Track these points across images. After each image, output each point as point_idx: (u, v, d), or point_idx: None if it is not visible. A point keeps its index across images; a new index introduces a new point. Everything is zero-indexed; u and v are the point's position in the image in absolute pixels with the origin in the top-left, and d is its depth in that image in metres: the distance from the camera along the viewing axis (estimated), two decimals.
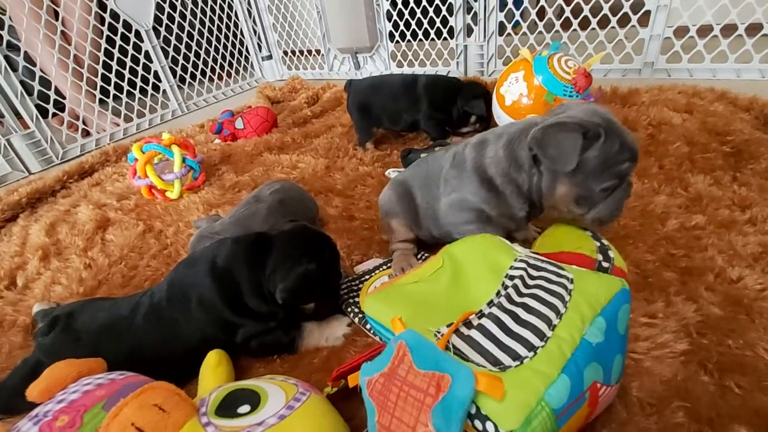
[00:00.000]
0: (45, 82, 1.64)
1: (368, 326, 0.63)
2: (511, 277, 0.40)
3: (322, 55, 2.36)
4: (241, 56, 2.49)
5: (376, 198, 1.01)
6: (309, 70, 2.48)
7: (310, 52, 2.43)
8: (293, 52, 2.51)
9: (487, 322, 0.36)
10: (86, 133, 1.83)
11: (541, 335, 0.34)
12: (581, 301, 0.35)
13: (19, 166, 1.61)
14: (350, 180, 1.11)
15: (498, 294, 0.39)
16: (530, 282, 0.39)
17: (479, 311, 0.38)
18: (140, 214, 1.11)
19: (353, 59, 2.27)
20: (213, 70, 2.32)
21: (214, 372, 0.56)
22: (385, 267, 0.76)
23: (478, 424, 0.31)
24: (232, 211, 0.84)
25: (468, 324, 0.37)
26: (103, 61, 1.81)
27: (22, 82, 1.56)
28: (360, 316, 0.65)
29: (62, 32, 1.67)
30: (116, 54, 1.83)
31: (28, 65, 1.59)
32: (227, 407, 0.40)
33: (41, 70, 1.64)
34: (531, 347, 0.33)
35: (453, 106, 1.27)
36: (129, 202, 1.19)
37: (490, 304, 0.38)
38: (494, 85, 1.19)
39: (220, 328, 0.60)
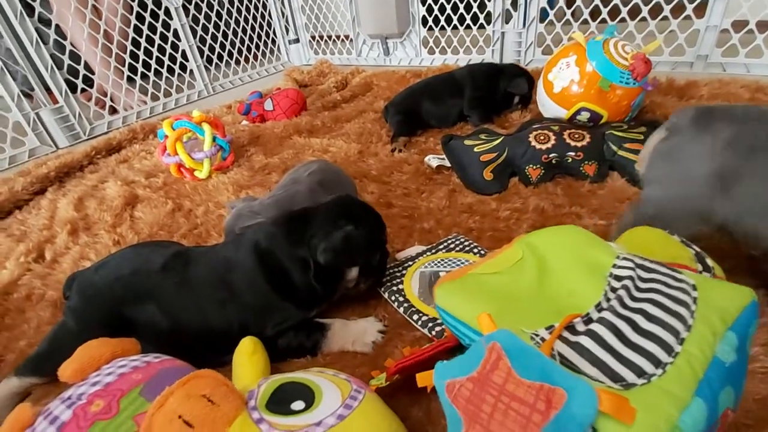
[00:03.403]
0: (74, 57, 1.63)
1: (415, 317, 0.58)
2: (618, 278, 0.34)
3: (351, 40, 2.30)
4: (268, 38, 2.45)
5: (414, 185, 0.96)
6: (336, 55, 2.42)
7: (338, 37, 2.37)
8: (321, 37, 2.45)
9: (599, 329, 0.30)
10: (113, 110, 1.82)
11: (668, 349, 0.28)
12: (710, 312, 0.30)
13: (48, 140, 1.60)
14: (385, 166, 1.06)
15: (606, 296, 0.33)
16: (642, 285, 0.33)
17: (585, 315, 0.32)
18: (169, 193, 1.08)
19: (383, 45, 2.20)
20: (240, 51, 2.29)
21: (250, 359, 0.52)
22: (429, 253, 0.71)
23: None
24: (270, 192, 0.80)
25: (571, 329, 0.32)
26: (132, 38, 1.79)
27: (52, 56, 1.55)
28: (406, 305, 0.61)
29: (93, 6, 1.64)
30: (145, 31, 1.81)
31: (59, 39, 1.58)
32: (279, 402, 0.36)
33: (72, 44, 1.62)
34: (658, 363, 0.28)
35: (496, 89, 1.23)
36: (157, 180, 1.16)
37: (599, 307, 0.33)
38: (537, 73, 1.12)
39: (259, 315, 0.56)
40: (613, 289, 0.34)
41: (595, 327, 0.31)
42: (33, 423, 0.39)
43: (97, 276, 0.60)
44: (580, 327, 0.32)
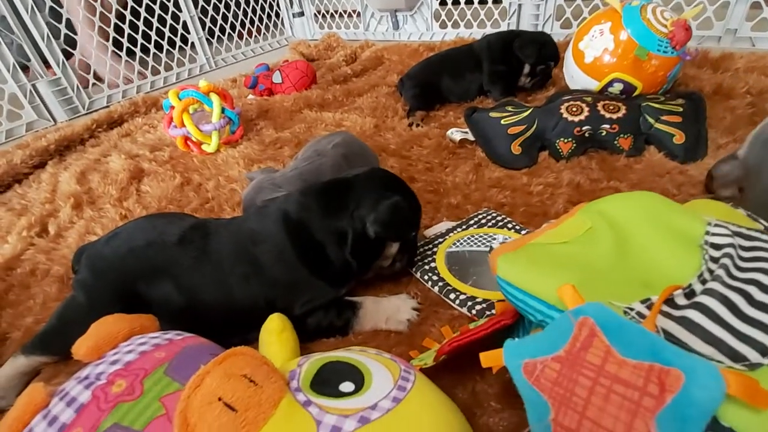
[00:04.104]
0: (71, 26, 1.55)
1: (452, 296, 0.55)
2: (716, 246, 0.30)
3: (358, 14, 2.21)
4: (272, 11, 2.35)
5: (436, 159, 0.91)
6: (343, 29, 2.33)
7: (345, 11, 2.28)
8: (327, 11, 2.35)
9: (709, 301, 0.26)
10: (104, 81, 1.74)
11: None
12: None
13: (45, 114, 1.53)
14: (404, 140, 1.01)
15: (707, 267, 0.29)
16: (746, 254, 0.29)
17: (687, 286, 0.28)
18: (176, 167, 1.03)
19: (392, 18, 2.11)
20: (243, 24, 2.20)
21: (279, 338, 0.48)
22: (459, 229, 0.67)
23: None
24: (292, 163, 0.75)
25: (671, 303, 0.28)
26: (131, 7, 1.70)
27: (48, 24, 1.47)
28: (441, 284, 0.57)
29: None
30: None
31: (54, 6, 1.50)
32: (325, 383, 0.32)
33: (68, 12, 1.54)
34: None
35: (512, 55, 1.16)
36: (163, 153, 1.11)
37: (701, 278, 0.29)
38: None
39: (286, 292, 0.52)
40: (714, 259, 0.29)
41: (704, 299, 0.27)
42: (47, 404, 0.35)
43: (108, 248, 0.56)
44: (681, 300, 0.28)
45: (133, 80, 1.76)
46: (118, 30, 1.68)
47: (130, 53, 1.74)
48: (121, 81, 1.71)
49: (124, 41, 1.71)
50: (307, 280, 0.52)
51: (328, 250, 0.52)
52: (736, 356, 0.24)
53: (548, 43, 1.17)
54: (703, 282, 0.28)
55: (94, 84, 1.63)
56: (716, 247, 0.30)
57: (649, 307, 0.27)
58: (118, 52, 1.69)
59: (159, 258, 0.54)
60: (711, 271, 0.29)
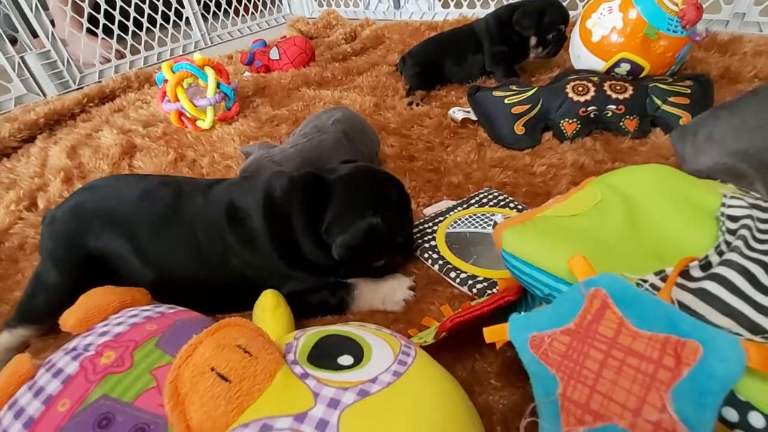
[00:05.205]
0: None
1: (452, 275, 0.53)
2: (733, 218, 0.29)
3: None
4: None
5: (437, 139, 0.89)
6: (342, 7, 2.26)
7: None
8: None
9: (727, 272, 0.25)
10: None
11: None
12: None
13: (35, 88, 1.49)
14: (404, 119, 0.98)
15: (724, 239, 0.28)
16: (764, 226, 0.28)
17: (704, 258, 0.27)
18: (169, 143, 1.01)
19: None
20: (239, 0, 2.13)
21: (273, 314, 0.47)
22: (460, 208, 0.66)
23: (729, 413, 0.21)
24: (290, 139, 0.73)
25: (686, 275, 0.26)
26: None
27: None
28: (441, 263, 0.55)
29: None
30: None
31: None
32: (323, 356, 0.31)
33: None
34: None
35: (512, 32, 1.10)
36: (156, 129, 1.08)
37: (718, 250, 0.27)
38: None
39: (265, 276, 0.51)
40: (731, 231, 0.28)
41: (722, 270, 0.25)
42: (33, 375, 0.34)
43: (62, 206, 0.54)
44: (697, 272, 0.27)
45: (111, 59, 1.68)
46: (95, 6, 1.58)
47: (108, 30, 1.64)
48: (98, 61, 1.63)
49: (116, 14, 1.64)
50: (284, 271, 0.50)
51: (304, 250, 0.49)
52: (755, 328, 0.23)
53: (552, 6, 1.09)
54: (720, 254, 0.27)
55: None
56: (733, 219, 0.29)
57: (663, 279, 0.26)
58: (94, 29, 1.60)
59: (114, 211, 0.51)
60: (728, 243, 0.28)
